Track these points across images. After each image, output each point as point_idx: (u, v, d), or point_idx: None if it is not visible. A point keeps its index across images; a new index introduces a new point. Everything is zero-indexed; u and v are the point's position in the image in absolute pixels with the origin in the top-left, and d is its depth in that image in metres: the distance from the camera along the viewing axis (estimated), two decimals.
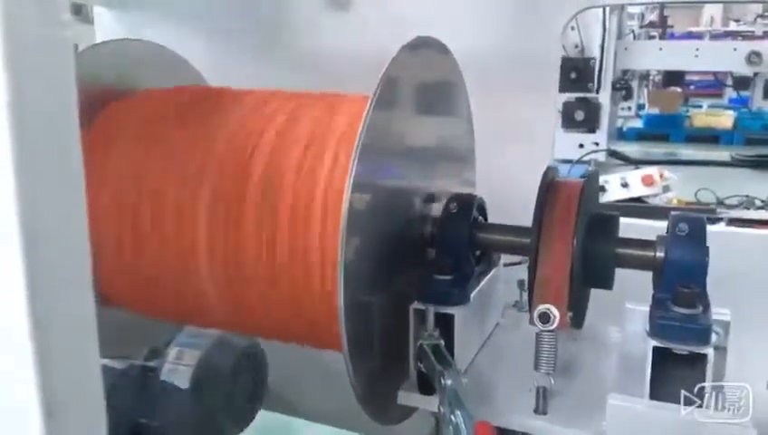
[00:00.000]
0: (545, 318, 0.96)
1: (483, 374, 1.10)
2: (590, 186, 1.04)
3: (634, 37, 5.61)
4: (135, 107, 1.21)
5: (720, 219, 3.64)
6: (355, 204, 0.91)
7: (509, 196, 1.29)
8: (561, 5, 1.81)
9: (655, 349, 0.91)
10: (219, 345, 1.33)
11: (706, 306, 0.92)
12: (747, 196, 3.92)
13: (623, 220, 1.08)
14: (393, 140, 1.08)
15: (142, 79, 1.33)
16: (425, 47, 1.15)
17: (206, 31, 2.18)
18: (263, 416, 1.52)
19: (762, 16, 6.74)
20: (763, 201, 3.90)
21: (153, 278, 1.11)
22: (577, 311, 1.07)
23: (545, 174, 1.05)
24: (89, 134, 1.15)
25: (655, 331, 0.91)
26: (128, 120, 1.18)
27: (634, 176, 3.94)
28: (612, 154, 5.07)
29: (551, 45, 2.09)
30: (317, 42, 2.00)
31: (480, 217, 1.15)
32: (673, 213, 0.99)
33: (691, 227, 0.95)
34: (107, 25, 2.30)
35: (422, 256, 1.15)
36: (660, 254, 0.98)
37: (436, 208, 1.15)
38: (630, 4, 4.42)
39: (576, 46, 4.67)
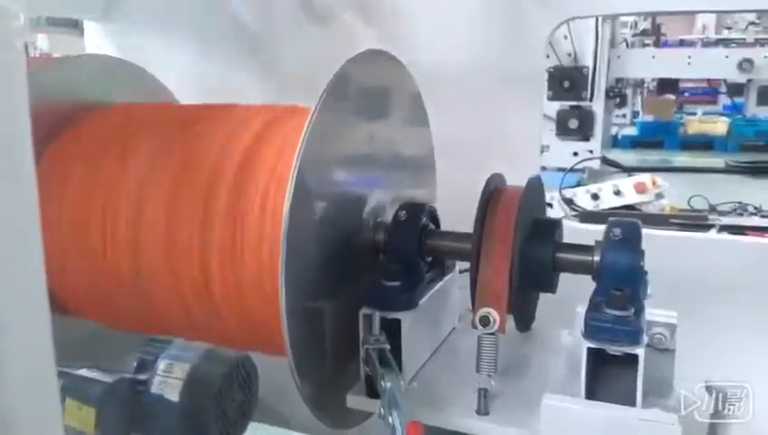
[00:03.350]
0: (485, 321, 0.98)
1: (432, 378, 1.12)
2: (532, 191, 1.07)
3: (627, 45, 5.65)
4: (97, 123, 1.25)
5: (712, 226, 3.64)
6: (297, 209, 0.94)
7: None
8: (547, 16, 1.84)
9: (589, 350, 0.94)
10: (209, 358, 1.34)
11: (639, 308, 0.94)
12: (740, 202, 3.93)
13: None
14: (342, 147, 1.10)
15: (109, 95, 1.36)
16: (374, 59, 1.18)
17: (192, 44, 2.22)
18: (254, 428, 1.53)
19: (753, 24, 6.79)
20: (755, 208, 3.91)
21: (106, 285, 1.14)
22: (521, 314, 1.10)
23: (488, 181, 1.08)
24: (52, 148, 1.19)
25: (588, 332, 0.93)
26: (89, 135, 1.21)
27: (627, 183, 3.96)
28: (606, 162, 5.08)
29: (537, 55, 2.11)
30: (302, 55, 2.04)
31: (431, 225, 1.17)
32: (610, 219, 1.02)
33: (624, 232, 0.98)
34: (95, 38, 2.35)
35: (376, 263, 1.17)
36: (597, 258, 1.01)
37: (390, 216, 1.18)
38: (612, 16, 4.45)
39: (569, 55, 4.70)
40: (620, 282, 0.96)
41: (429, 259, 1.18)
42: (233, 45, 2.17)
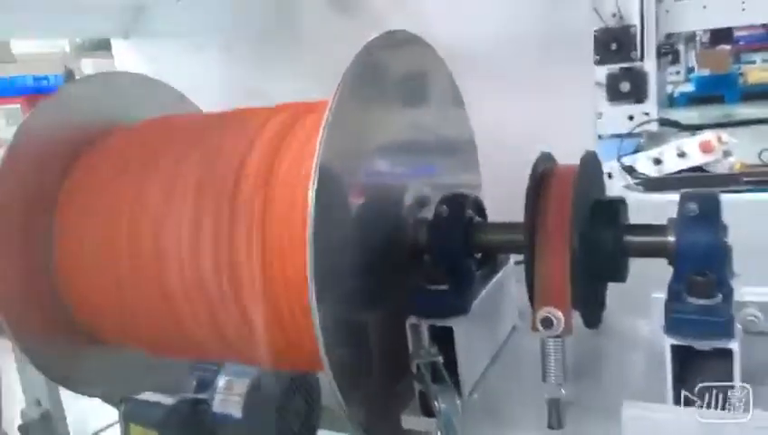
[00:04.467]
0: (548, 323, 0.86)
1: (494, 388, 1.01)
2: (587, 170, 0.94)
3: None
4: (120, 139, 1.20)
5: None
6: (324, 211, 0.83)
7: None
8: None
9: (673, 347, 0.81)
10: (267, 372, 1.31)
11: (727, 293, 0.80)
12: None
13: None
14: (371, 137, 1.00)
15: (134, 110, 1.32)
16: (399, 41, 1.08)
17: (219, 54, 2.18)
18: None
19: None
20: None
21: (136, 310, 1.09)
22: (588, 310, 0.98)
23: (535, 163, 0.95)
24: (75, 167, 1.16)
25: (670, 327, 0.80)
26: (111, 153, 1.18)
27: (691, 143, 3.73)
28: (665, 123, 4.82)
29: (583, 17, 2.01)
30: (332, 51, 1.96)
31: (477, 217, 1.06)
32: (682, 192, 0.88)
33: (701, 207, 0.84)
34: (124, 55, 2.34)
35: (420, 265, 1.07)
36: (672, 238, 0.87)
37: (432, 209, 1.06)
38: None
39: (614, 15, 4.48)
40: (702, 265, 0.82)
41: (479, 256, 1.06)
42: (259, 54, 2.12)
